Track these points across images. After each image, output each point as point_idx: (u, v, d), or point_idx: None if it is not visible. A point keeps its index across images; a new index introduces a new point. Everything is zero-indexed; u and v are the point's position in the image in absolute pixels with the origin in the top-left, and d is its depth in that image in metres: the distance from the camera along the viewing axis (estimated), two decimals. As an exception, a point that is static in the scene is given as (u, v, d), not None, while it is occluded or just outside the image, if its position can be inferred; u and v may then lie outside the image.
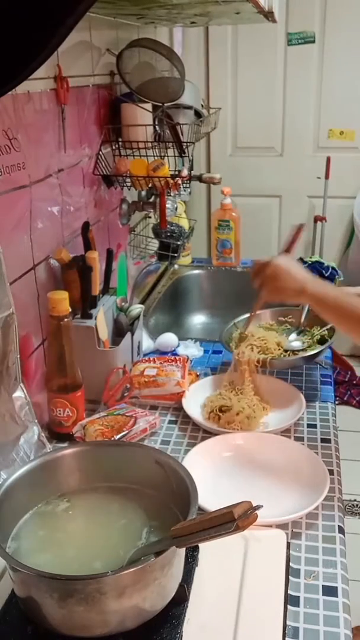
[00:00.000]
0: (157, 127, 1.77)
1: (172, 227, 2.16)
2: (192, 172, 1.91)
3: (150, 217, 2.24)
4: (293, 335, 1.63)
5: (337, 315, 1.25)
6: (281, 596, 0.93)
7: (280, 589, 0.94)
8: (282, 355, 1.52)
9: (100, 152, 1.70)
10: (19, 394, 1.16)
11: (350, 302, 1.20)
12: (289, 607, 0.92)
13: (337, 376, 3.31)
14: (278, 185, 3.43)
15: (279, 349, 1.55)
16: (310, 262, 2.10)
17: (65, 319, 1.26)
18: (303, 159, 3.38)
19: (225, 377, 1.53)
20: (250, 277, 1.39)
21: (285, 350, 1.55)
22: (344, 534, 1.08)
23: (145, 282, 2.25)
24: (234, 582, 0.95)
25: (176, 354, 1.69)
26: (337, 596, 0.94)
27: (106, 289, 1.57)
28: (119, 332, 1.54)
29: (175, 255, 2.18)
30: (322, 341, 1.58)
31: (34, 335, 1.35)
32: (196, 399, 1.47)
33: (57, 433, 1.33)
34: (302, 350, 1.56)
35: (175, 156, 1.85)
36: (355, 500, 2.61)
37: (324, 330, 1.61)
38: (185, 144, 1.75)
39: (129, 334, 1.53)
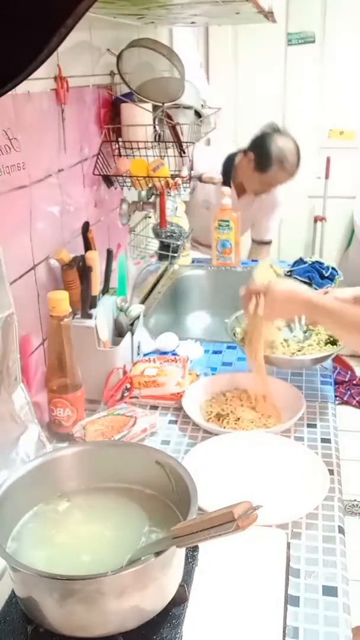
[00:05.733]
0: (157, 127, 1.77)
1: (172, 227, 2.16)
2: (192, 172, 1.91)
3: (150, 217, 2.24)
4: (298, 334, 1.62)
5: (342, 326, 1.26)
6: (281, 596, 0.93)
7: (280, 589, 0.94)
8: (293, 355, 1.51)
9: (100, 152, 1.70)
10: (19, 394, 1.16)
11: (355, 313, 1.22)
12: (289, 607, 0.92)
13: (337, 376, 3.31)
14: (278, 185, 3.43)
15: (287, 347, 1.54)
16: (310, 262, 2.11)
17: (65, 319, 1.26)
18: (303, 159, 3.37)
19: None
20: (242, 302, 1.39)
21: (298, 350, 1.53)
22: (344, 534, 1.08)
23: (145, 282, 2.25)
24: (234, 582, 0.95)
25: (176, 354, 1.69)
26: (337, 596, 0.94)
27: (106, 289, 1.57)
28: (119, 332, 1.54)
29: (175, 255, 2.18)
30: (331, 341, 1.57)
31: (34, 335, 1.35)
32: (196, 399, 1.47)
33: (57, 433, 1.33)
34: (310, 346, 1.55)
35: (175, 156, 1.85)
36: (355, 500, 2.61)
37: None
38: (185, 144, 1.75)
39: (129, 334, 1.53)
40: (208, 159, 2.50)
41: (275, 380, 1.54)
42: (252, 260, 2.55)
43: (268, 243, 2.78)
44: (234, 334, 1.56)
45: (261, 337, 1.41)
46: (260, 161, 2.37)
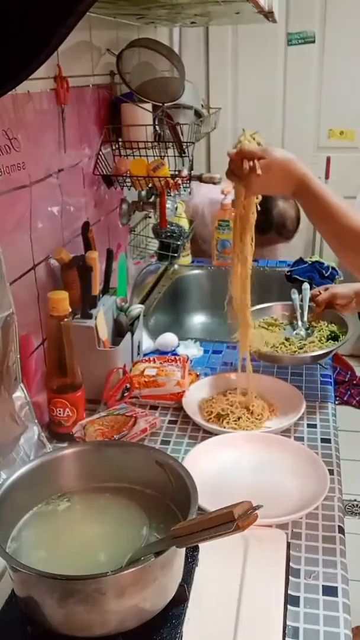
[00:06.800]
0: (157, 127, 1.77)
1: (172, 227, 2.16)
2: (192, 172, 1.91)
3: (150, 217, 2.24)
4: (301, 332, 1.62)
5: (328, 219, 1.14)
6: (281, 596, 0.93)
7: (280, 589, 0.94)
8: (296, 352, 1.52)
9: (100, 152, 1.70)
10: (19, 394, 1.16)
11: (346, 209, 1.13)
12: (289, 607, 0.92)
13: (337, 376, 3.31)
14: (278, 185, 3.43)
15: (288, 345, 1.54)
16: (310, 262, 2.10)
17: (65, 319, 1.26)
18: (303, 159, 3.34)
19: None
20: (232, 165, 1.19)
21: (300, 348, 1.54)
22: (344, 534, 1.08)
23: (145, 282, 2.25)
24: (234, 582, 0.95)
25: (176, 354, 1.69)
26: (337, 596, 0.94)
27: (106, 289, 1.57)
28: (119, 332, 1.54)
29: (175, 255, 2.18)
30: (333, 337, 1.57)
31: (34, 335, 1.35)
32: (196, 399, 1.47)
33: (57, 433, 1.33)
34: (312, 343, 1.55)
35: (175, 156, 1.85)
36: (355, 500, 2.61)
37: (332, 325, 1.60)
38: (185, 144, 1.75)
39: (129, 334, 1.53)
40: (207, 193, 2.51)
41: (275, 380, 1.54)
42: (254, 261, 2.54)
43: None
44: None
45: (248, 223, 1.29)
46: (259, 223, 2.30)
